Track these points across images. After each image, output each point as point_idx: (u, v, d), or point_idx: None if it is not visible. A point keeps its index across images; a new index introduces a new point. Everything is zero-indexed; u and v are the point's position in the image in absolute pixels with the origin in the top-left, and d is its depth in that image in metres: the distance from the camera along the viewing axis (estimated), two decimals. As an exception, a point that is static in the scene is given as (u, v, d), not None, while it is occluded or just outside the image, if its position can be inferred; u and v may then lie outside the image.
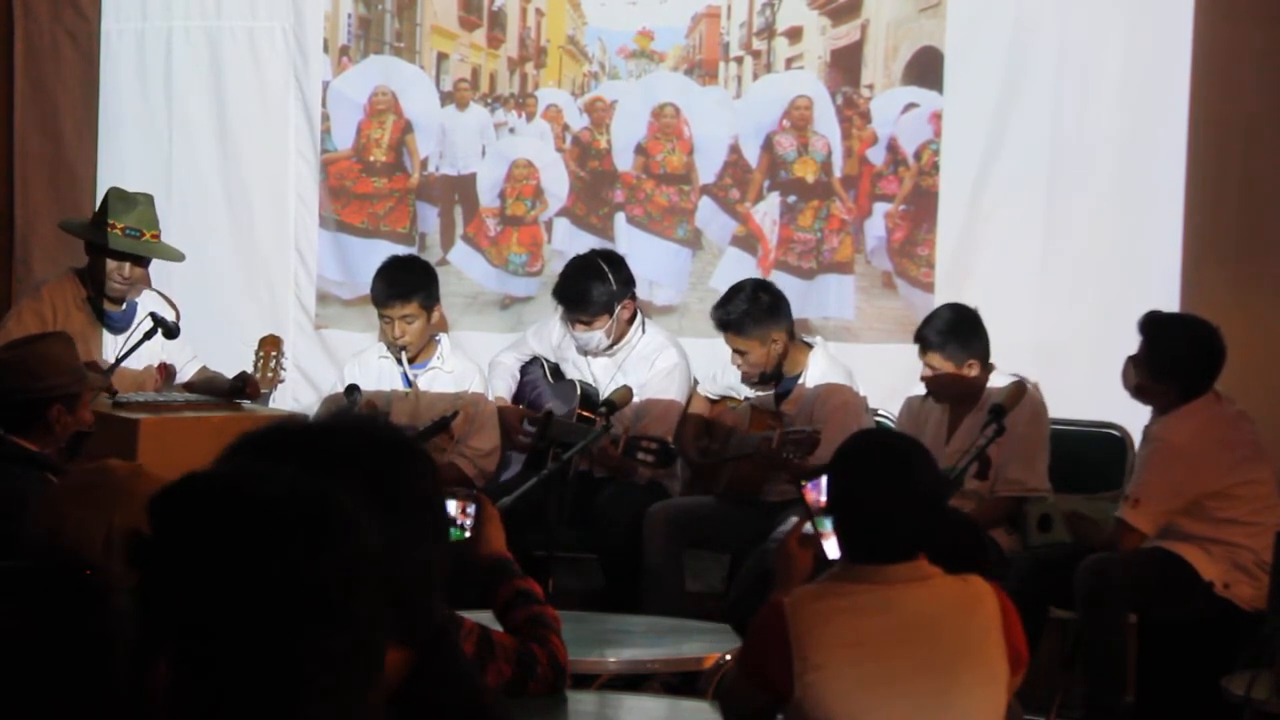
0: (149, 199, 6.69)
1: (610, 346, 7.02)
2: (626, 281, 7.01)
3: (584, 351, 7.08)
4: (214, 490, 1.77)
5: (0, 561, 3.33)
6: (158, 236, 6.64)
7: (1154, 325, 6.10)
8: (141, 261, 6.63)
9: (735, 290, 6.79)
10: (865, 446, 3.80)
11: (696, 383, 7.17)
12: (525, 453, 7.00)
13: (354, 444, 2.16)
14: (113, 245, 6.51)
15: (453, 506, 4.19)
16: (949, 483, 3.85)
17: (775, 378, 6.77)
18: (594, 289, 6.93)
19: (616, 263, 7.04)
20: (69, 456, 4.98)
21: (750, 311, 6.69)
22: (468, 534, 4.17)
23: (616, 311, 6.97)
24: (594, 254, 7.08)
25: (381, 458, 2.15)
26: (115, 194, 6.69)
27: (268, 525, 1.71)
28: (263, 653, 1.69)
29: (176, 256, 6.80)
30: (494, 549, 4.11)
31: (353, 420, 2.38)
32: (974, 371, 6.42)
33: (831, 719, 3.62)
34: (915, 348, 6.51)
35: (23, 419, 4.88)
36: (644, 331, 7.10)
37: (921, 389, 6.56)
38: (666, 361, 7.05)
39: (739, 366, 6.78)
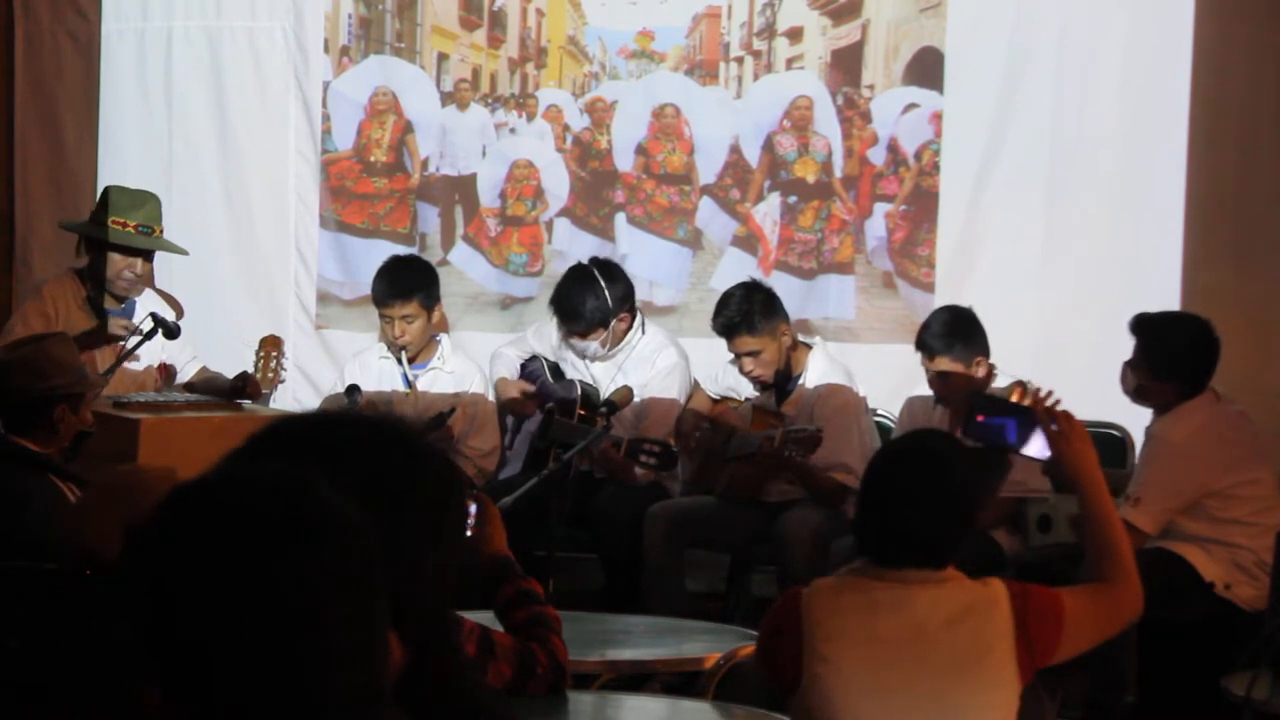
0: (155, 197, 6.69)
1: (607, 353, 7.01)
2: (624, 295, 6.98)
3: (581, 356, 7.07)
4: (189, 508, 1.74)
5: (2, 562, 3.34)
6: (162, 233, 6.65)
7: (1148, 325, 6.10)
8: (150, 257, 6.64)
9: (728, 296, 6.79)
10: (895, 449, 3.79)
11: (697, 383, 7.17)
12: (533, 416, 6.98)
13: (355, 441, 2.15)
14: (125, 242, 6.50)
15: None
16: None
17: (785, 377, 6.77)
18: (587, 304, 6.91)
19: (614, 275, 7.00)
20: (69, 457, 4.98)
21: (754, 309, 6.69)
22: (469, 533, 4.17)
23: (611, 325, 6.96)
24: (592, 265, 7.03)
25: (382, 455, 2.15)
26: (119, 191, 6.68)
27: (244, 538, 1.70)
28: (261, 666, 1.68)
29: (183, 251, 6.83)
30: (495, 549, 4.11)
31: (357, 418, 2.37)
32: (982, 369, 6.43)
33: (836, 714, 3.63)
34: (915, 348, 6.51)
35: (27, 419, 4.88)
36: (644, 332, 7.10)
37: (923, 389, 6.55)
38: (666, 361, 7.05)
39: (752, 372, 6.74)
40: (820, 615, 3.66)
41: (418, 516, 2.13)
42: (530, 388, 7.11)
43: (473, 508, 4.17)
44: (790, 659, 3.67)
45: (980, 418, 3.94)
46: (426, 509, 2.15)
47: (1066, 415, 3.91)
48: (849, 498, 6.64)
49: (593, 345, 6.98)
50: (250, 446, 2.08)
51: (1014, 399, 4.23)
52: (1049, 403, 4.00)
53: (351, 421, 2.28)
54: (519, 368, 7.29)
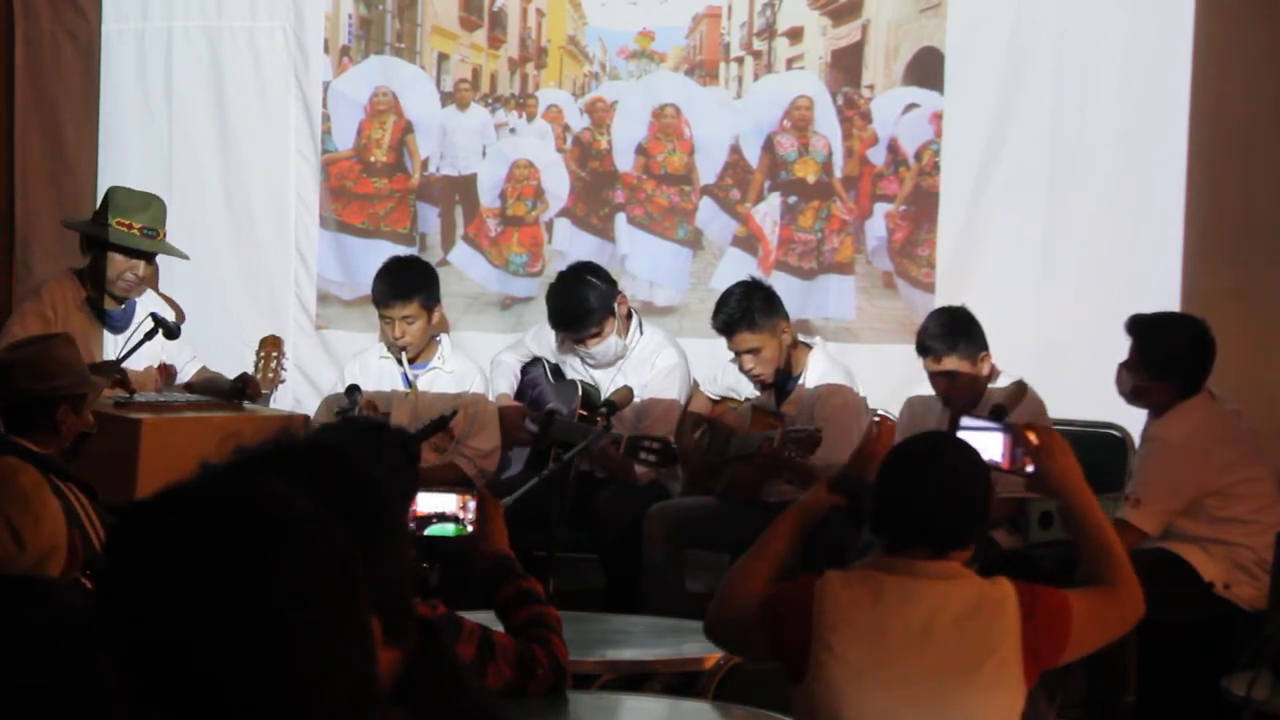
0: (160, 200, 6.69)
1: (623, 349, 7.01)
2: (611, 281, 7.04)
3: (599, 365, 7.06)
4: (155, 521, 1.73)
5: None
6: (165, 236, 6.66)
7: (1144, 325, 6.10)
8: (153, 260, 6.64)
9: (728, 294, 6.80)
10: (910, 444, 3.88)
11: (696, 384, 7.18)
12: (526, 447, 7.02)
13: (321, 456, 2.17)
14: (130, 244, 6.50)
15: (453, 501, 4.19)
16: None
17: (785, 377, 6.77)
18: (589, 298, 6.93)
19: (594, 270, 7.06)
20: (69, 457, 4.98)
21: (755, 305, 6.70)
22: (469, 529, 4.18)
23: (615, 309, 6.99)
24: (569, 271, 7.09)
25: (350, 466, 2.17)
26: (124, 192, 6.68)
27: (212, 546, 1.69)
28: (264, 678, 1.68)
29: (185, 256, 6.83)
30: (496, 547, 4.11)
31: (316, 437, 2.40)
32: (986, 365, 6.43)
33: (839, 706, 3.65)
34: (917, 352, 6.50)
35: (29, 420, 4.88)
36: (642, 333, 7.11)
37: (923, 389, 6.55)
38: (666, 361, 7.06)
39: (752, 370, 6.74)
40: (829, 606, 3.70)
41: (380, 518, 2.14)
42: (533, 413, 7.10)
43: (472, 503, 4.18)
44: (796, 647, 3.70)
45: (961, 435, 4.00)
46: (386, 510, 2.17)
47: (1046, 429, 3.96)
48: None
49: (610, 341, 6.98)
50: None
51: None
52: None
53: (312, 441, 2.31)
54: (519, 373, 7.29)
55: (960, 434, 3.93)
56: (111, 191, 6.73)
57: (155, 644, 1.67)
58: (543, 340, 7.26)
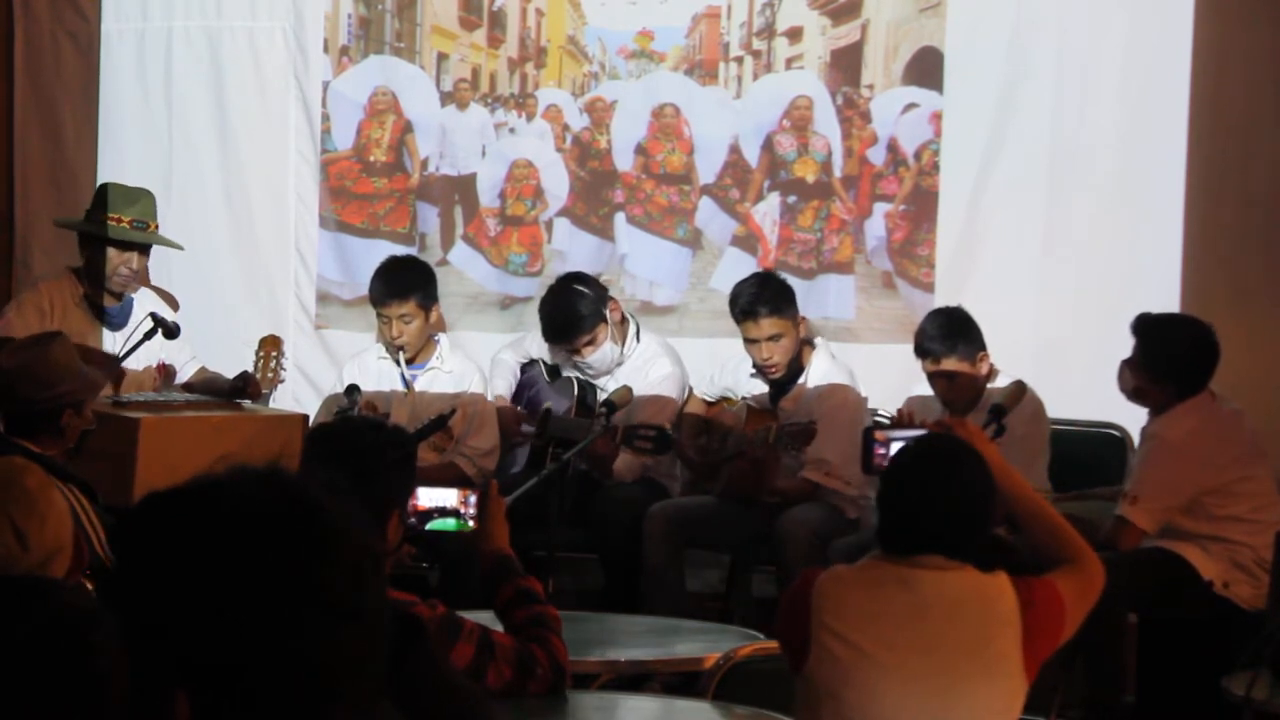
0: (150, 193, 6.71)
1: (620, 356, 6.99)
2: (599, 288, 7.03)
3: (597, 374, 7.05)
4: (180, 520, 1.73)
5: None
6: (157, 229, 6.67)
7: (1148, 326, 6.10)
8: (146, 253, 6.65)
9: (743, 284, 6.77)
10: (913, 450, 3.91)
11: (691, 390, 7.16)
12: (520, 447, 7.01)
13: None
14: (121, 237, 6.51)
15: (453, 496, 4.20)
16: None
17: (795, 373, 6.76)
18: (581, 307, 6.92)
19: (583, 278, 7.06)
20: (69, 456, 4.98)
21: (777, 292, 6.69)
22: (470, 524, 4.18)
23: (608, 315, 6.97)
24: (558, 282, 7.08)
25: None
26: (115, 188, 6.70)
27: (245, 538, 1.69)
28: (285, 664, 1.68)
29: (179, 246, 6.84)
30: (497, 547, 4.11)
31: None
32: (985, 365, 6.43)
33: (840, 687, 3.67)
34: (915, 354, 6.50)
35: (31, 424, 4.88)
36: (638, 340, 7.10)
37: (922, 389, 6.55)
38: (660, 372, 7.03)
39: (770, 360, 6.69)
40: (829, 590, 3.74)
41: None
42: (525, 421, 7.09)
43: (473, 497, 4.18)
44: (799, 636, 3.74)
45: (880, 450, 4.03)
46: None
47: (961, 423, 4.00)
48: (833, 496, 6.66)
49: (606, 349, 6.96)
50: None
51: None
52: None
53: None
54: (518, 372, 7.29)
55: (893, 445, 3.97)
56: (103, 188, 6.76)
57: (176, 629, 1.67)
58: (542, 346, 7.24)
